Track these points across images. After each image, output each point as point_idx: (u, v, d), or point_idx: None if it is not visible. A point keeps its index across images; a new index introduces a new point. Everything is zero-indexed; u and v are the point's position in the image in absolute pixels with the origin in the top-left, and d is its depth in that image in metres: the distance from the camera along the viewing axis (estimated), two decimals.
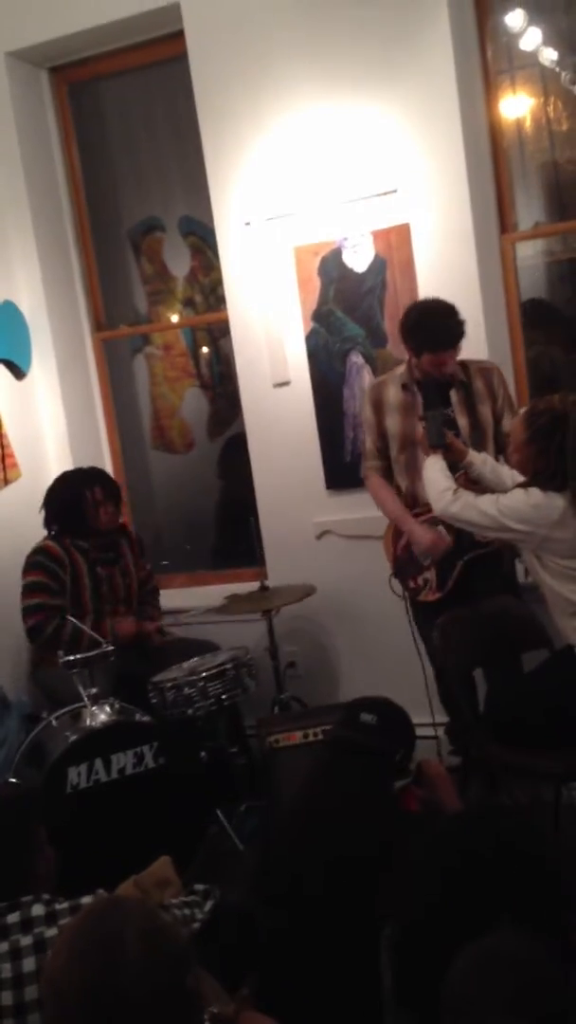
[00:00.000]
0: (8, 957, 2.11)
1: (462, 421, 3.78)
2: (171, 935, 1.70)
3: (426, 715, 3.82)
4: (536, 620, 3.62)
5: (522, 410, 3.42)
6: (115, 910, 1.73)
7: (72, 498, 4.22)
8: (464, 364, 3.81)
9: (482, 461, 3.59)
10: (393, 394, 3.86)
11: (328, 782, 2.53)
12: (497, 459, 3.68)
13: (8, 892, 2.22)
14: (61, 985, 1.59)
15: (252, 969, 2.21)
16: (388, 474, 3.96)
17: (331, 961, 2.19)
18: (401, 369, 3.88)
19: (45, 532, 4.30)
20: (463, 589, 3.79)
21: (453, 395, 3.80)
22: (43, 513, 4.29)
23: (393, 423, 3.86)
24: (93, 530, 4.23)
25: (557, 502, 3.20)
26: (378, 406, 3.90)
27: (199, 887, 2.50)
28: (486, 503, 3.32)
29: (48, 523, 4.27)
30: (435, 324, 3.66)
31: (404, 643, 4.11)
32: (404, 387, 3.83)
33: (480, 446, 3.74)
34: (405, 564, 3.92)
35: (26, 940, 2.13)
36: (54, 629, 4.03)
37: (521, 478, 3.37)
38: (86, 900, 2.22)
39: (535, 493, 3.23)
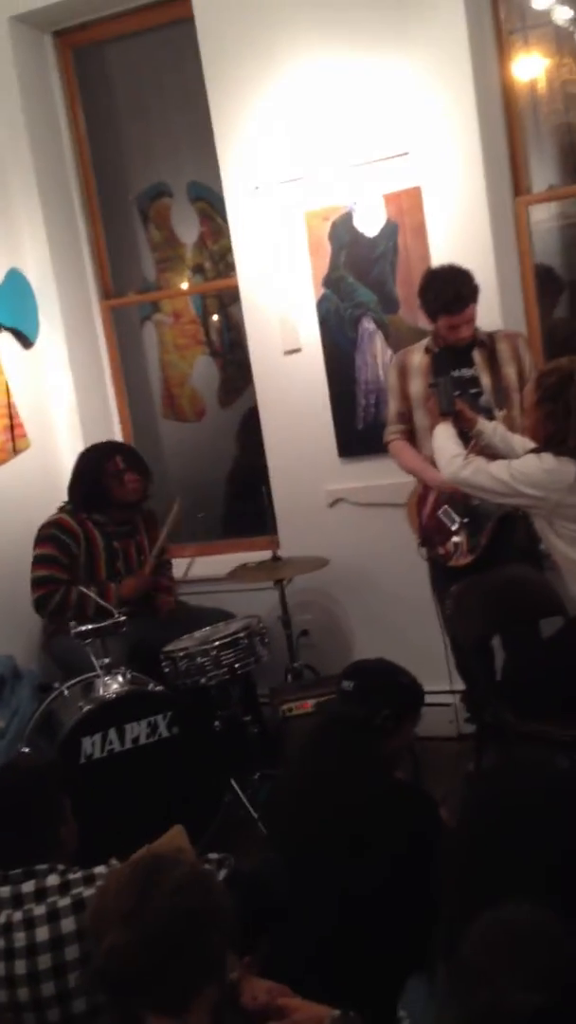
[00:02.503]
0: (22, 926, 2.12)
1: (485, 380, 3.80)
2: (206, 891, 1.75)
3: (442, 683, 3.80)
4: (551, 587, 3.60)
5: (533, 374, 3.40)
6: (161, 859, 1.84)
7: (93, 470, 4.22)
8: (490, 334, 3.86)
9: (492, 430, 3.57)
10: (418, 359, 3.90)
11: (310, 754, 2.57)
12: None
13: (34, 859, 2.23)
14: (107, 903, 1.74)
15: (263, 935, 2.21)
16: (412, 439, 3.98)
17: (330, 925, 2.20)
18: (428, 339, 3.92)
19: (55, 502, 4.29)
20: (496, 550, 3.77)
21: (476, 355, 3.82)
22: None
23: (416, 387, 3.89)
24: (116, 502, 4.21)
25: (570, 467, 3.18)
26: (403, 371, 3.94)
27: (213, 856, 2.50)
28: (498, 468, 3.30)
29: (71, 498, 4.27)
30: (443, 285, 3.71)
31: (417, 610, 4.09)
32: (427, 351, 3.87)
33: (504, 406, 3.75)
34: (432, 532, 3.90)
35: (39, 910, 2.13)
36: (60, 599, 4.04)
37: (532, 445, 3.34)
38: (100, 870, 2.22)
39: (548, 458, 3.20)
